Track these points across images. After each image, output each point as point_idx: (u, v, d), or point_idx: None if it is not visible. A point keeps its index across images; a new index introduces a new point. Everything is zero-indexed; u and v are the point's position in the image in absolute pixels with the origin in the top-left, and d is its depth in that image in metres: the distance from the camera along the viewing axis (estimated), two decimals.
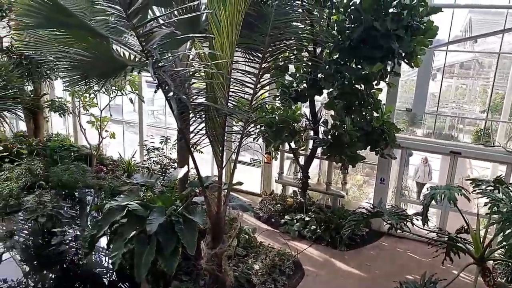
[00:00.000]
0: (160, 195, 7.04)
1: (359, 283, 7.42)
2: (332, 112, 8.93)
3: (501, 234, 4.20)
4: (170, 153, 10.71)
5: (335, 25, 7.77)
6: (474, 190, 5.17)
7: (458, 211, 5.31)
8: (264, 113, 8.82)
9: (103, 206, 6.62)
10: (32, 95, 10.57)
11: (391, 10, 7.13)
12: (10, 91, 6.29)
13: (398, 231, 5.51)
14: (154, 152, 10.29)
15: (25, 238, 8.45)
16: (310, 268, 7.96)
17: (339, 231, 8.68)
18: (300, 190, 10.34)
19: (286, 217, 9.74)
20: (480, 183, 5.16)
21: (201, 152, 8.39)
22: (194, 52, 5.25)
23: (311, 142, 10.10)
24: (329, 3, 7.78)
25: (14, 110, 7.06)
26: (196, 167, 5.35)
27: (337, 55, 8.03)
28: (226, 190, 5.75)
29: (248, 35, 4.70)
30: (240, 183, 8.94)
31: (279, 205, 10.29)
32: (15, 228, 8.67)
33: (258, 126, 8.61)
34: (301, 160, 10.39)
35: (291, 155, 10.53)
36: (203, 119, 5.14)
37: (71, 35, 4.93)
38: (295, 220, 9.52)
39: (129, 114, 13.50)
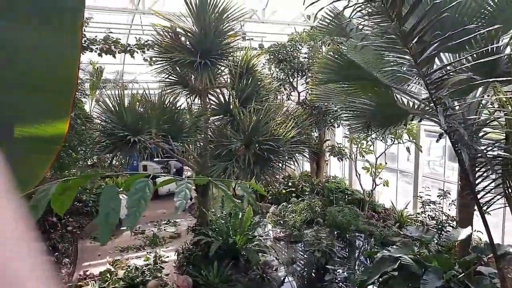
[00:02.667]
0: (437, 255, 6.37)
1: None
2: None
3: None
4: (449, 209, 9.67)
5: None
6: None
7: None
8: None
9: (375, 254, 6.57)
10: (317, 140, 12.02)
11: None
12: (302, 136, 7.36)
13: None
14: (429, 205, 9.55)
15: (302, 267, 9.37)
16: None
17: None
18: None
19: None
20: None
21: (488, 213, 7.17)
22: (489, 98, 4.64)
23: None
24: None
25: (303, 152, 8.18)
26: (487, 231, 4.52)
27: None
28: None
29: None
30: None
31: None
32: (294, 256, 9.80)
33: None
34: None
35: None
36: (499, 174, 4.39)
37: (357, 86, 5.36)
38: None
39: (404, 163, 13.21)
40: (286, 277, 8.49)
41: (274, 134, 6.73)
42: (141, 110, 6.88)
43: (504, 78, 3.94)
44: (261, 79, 7.67)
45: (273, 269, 8.17)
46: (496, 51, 3.99)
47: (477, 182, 4.40)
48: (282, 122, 6.94)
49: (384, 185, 11.85)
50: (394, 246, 6.42)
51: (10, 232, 0.30)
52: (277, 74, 11.29)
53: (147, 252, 8.94)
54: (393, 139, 10.65)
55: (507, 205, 4.36)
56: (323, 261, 8.50)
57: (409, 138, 10.61)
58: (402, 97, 5.04)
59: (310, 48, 10.68)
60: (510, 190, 4.23)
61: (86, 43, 8.23)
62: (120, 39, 8.91)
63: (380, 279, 5.99)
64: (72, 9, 1.10)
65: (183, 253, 7.82)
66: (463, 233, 6.22)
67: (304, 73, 10.95)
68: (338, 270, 8.79)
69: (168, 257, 8.60)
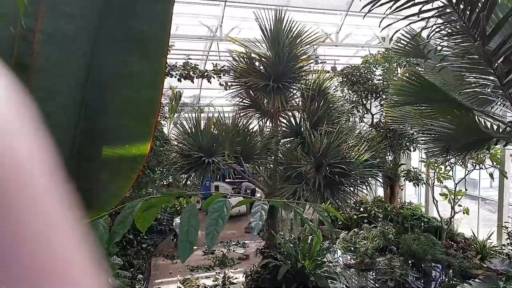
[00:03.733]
0: None
1: None
2: None
3: None
4: None
5: None
6: None
7: None
8: None
9: (454, 287, 6.12)
10: (391, 164, 11.59)
11: None
12: (376, 160, 7.17)
13: None
14: None
15: None
16: None
17: None
18: None
19: None
20: None
21: None
22: None
23: None
24: None
25: (376, 177, 7.94)
26: None
27: None
28: None
29: None
30: None
31: None
32: (365, 285, 9.40)
33: None
34: None
35: None
36: None
37: (435, 109, 5.16)
38: None
39: (486, 190, 12.19)
40: None
41: (346, 157, 6.65)
42: (216, 132, 7.21)
43: None
44: (333, 101, 7.68)
45: None
46: None
47: None
48: (355, 145, 6.84)
49: (464, 213, 11.02)
50: (477, 280, 5.91)
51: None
52: (350, 97, 11.21)
53: (216, 273, 9.14)
54: (474, 164, 9.95)
55: None
56: None
57: (493, 163, 9.83)
58: (485, 120, 4.75)
59: (385, 70, 10.49)
60: None
61: (167, 69, 8.88)
62: (198, 65, 9.51)
63: None
64: (157, 39, 1.20)
65: (251, 275, 7.89)
66: None
67: (378, 95, 10.76)
68: None
69: (236, 278, 8.73)
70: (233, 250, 10.79)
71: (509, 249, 9.01)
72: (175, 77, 9.08)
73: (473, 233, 11.13)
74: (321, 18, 11.56)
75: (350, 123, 9.29)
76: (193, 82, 9.30)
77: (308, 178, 6.77)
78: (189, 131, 7.01)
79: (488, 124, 4.55)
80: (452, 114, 4.64)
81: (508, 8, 3.06)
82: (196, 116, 7.13)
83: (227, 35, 10.13)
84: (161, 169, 9.62)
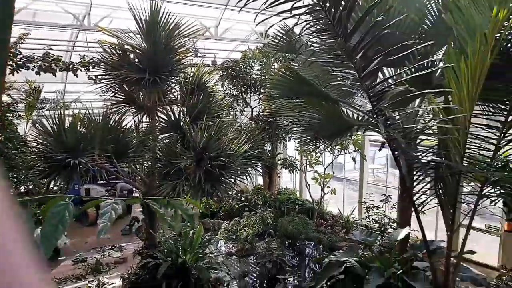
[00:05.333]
0: (379, 255, 6.73)
1: None
2: None
3: None
4: (390, 213, 10.29)
5: None
6: None
7: None
8: (506, 173, 7.46)
9: (323, 260, 6.76)
10: (269, 154, 12.23)
11: None
12: (255, 151, 7.45)
13: None
14: (373, 210, 10.11)
15: (254, 280, 9.38)
16: None
17: None
18: None
19: None
20: None
21: (424, 213, 7.72)
22: (425, 108, 5.03)
23: None
24: None
25: (256, 167, 8.27)
26: (421, 229, 4.92)
27: None
28: (455, 259, 5.00)
29: (491, 85, 4.20)
30: (472, 252, 7.66)
31: None
32: (246, 270, 9.79)
33: (499, 188, 7.35)
34: None
35: None
36: (433, 177, 4.79)
37: (307, 101, 5.58)
38: None
39: (350, 172, 13.83)
40: None
41: (226, 150, 6.74)
42: (83, 130, 6.56)
43: (437, 90, 4.31)
44: (213, 95, 7.67)
45: (225, 285, 8.08)
46: (431, 65, 4.37)
47: (414, 185, 4.73)
48: (235, 138, 6.97)
49: (332, 193, 12.34)
50: (341, 251, 6.71)
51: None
52: (230, 91, 11.39)
53: (88, 281, 8.48)
54: (340, 150, 11.15)
55: (438, 205, 4.73)
56: (274, 271, 8.62)
57: (355, 149, 11.18)
58: (347, 110, 5.33)
59: (263, 65, 10.92)
60: (441, 191, 4.62)
61: (22, 60, 7.74)
62: (61, 56, 8.45)
63: (328, 283, 6.19)
64: None
65: (129, 278, 7.48)
66: (402, 233, 6.66)
67: (257, 89, 11.16)
68: (289, 279, 8.96)
69: (112, 284, 8.24)
70: (108, 255, 10.11)
71: (367, 221, 10.41)
72: (33, 69, 7.93)
73: (339, 210, 12.54)
74: (201, 11, 11.49)
75: (231, 116, 9.46)
76: (55, 76, 8.25)
77: (188, 173, 6.67)
78: (51, 130, 6.22)
79: (350, 114, 5.10)
80: (320, 105, 5.06)
81: (366, 8, 3.43)
82: (59, 113, 6.36)
83: (96, 24, 9.28)
84: (15, 175, 8.41)
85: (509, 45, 4.31)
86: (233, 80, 10.96)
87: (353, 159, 11.62)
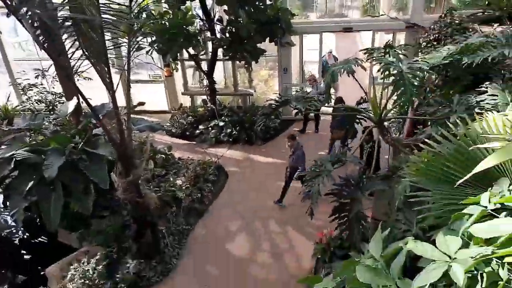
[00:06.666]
0: (54, 136, 6.25)
1: (276, 170, 7.85)
2: (226, 7, 8.33)
3: (395, 94, 4.33)
4: (53, 87, 9.36)
5: None
6: (368, 59, 5.20)
7: (358, 84, 5.40)
8: (151, 20, 7.90)
9: None
10: None
11: None
12: None
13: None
14: (32, 90, 8.90)
15: None
16: (232, 168, 8.13)
17: (253, 129, 8.79)
18: (209, 97, 10.08)
19: (200, 127, 9.57)
20: (373, 51, 5.18)
21: (90, 78, 7.48)
22: None
23: (210, 45, 9.57)
24: None
25: None
26: (82, 96, 4.65)
27: None
28: (126, 115, 5.20)
29: None
30: (142, 103, 8.32)
31: (190, 117, 9.99)
32: None
33: (149, 38, 7.82)
34: (204, 66, 9.92)
35: (193, 63, 9.98)
36: (75, 37, 4.37)
37: None
38: (210, 128, 9.39)
39: None
40: None
41: None
42: None
43: None
44: None
45: None
46: None
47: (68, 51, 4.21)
48: None
49: None
50: (3, 146, 5.75)
51: None
52: None
53: None
54: None
55: (90, 65, 4.50)
56: None
57: None
58: None
59: None
60: (88, 50, 4.36)
61: None
62: None
63: (1, 186, 5.41)
64: None
65: None
66: (71, 105, 6.32)
67: None
68: None
69: None
70: None
71: (29, 103, 9.18)
72: None
73: None
74: None
75: None
76: None
77: None
78: None
79: None
80: None
81: None
82: None
83: None
84: None
85: None
86: None
87: None
